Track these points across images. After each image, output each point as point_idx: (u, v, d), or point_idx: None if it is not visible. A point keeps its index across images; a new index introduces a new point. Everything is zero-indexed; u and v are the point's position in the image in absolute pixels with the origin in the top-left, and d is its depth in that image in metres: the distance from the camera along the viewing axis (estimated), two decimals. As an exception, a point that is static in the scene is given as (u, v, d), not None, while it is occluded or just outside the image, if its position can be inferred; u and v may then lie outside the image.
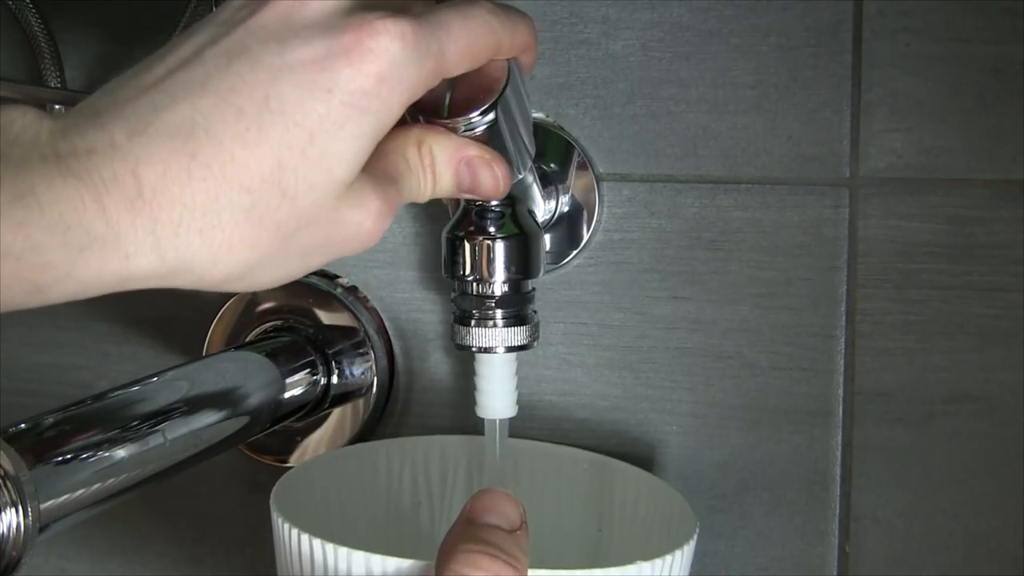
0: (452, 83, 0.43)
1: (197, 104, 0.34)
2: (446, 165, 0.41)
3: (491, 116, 0.43)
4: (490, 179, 0.42)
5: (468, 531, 0.40)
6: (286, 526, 0.45)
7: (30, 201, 0.31)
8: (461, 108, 0.43)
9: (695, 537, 0.47)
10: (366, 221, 0.37)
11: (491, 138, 0.44)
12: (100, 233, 0.32)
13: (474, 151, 0.42)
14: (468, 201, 0.50)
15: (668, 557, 0.45)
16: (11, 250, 0.31)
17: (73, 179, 0.32)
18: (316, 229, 0.36)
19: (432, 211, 0.58)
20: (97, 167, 0.33)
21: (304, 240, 0.36)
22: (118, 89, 0.36)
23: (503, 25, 0.40)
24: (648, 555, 0.44)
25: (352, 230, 0.37)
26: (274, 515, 0.46)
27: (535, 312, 0.52)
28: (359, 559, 0.42)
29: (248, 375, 0.54)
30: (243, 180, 0.34)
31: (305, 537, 0.44)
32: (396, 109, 0.36)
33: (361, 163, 0.36)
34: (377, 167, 0.38)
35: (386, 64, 0.35)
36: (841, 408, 0.55)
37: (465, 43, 0.38)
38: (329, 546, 0.43)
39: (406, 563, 0.41)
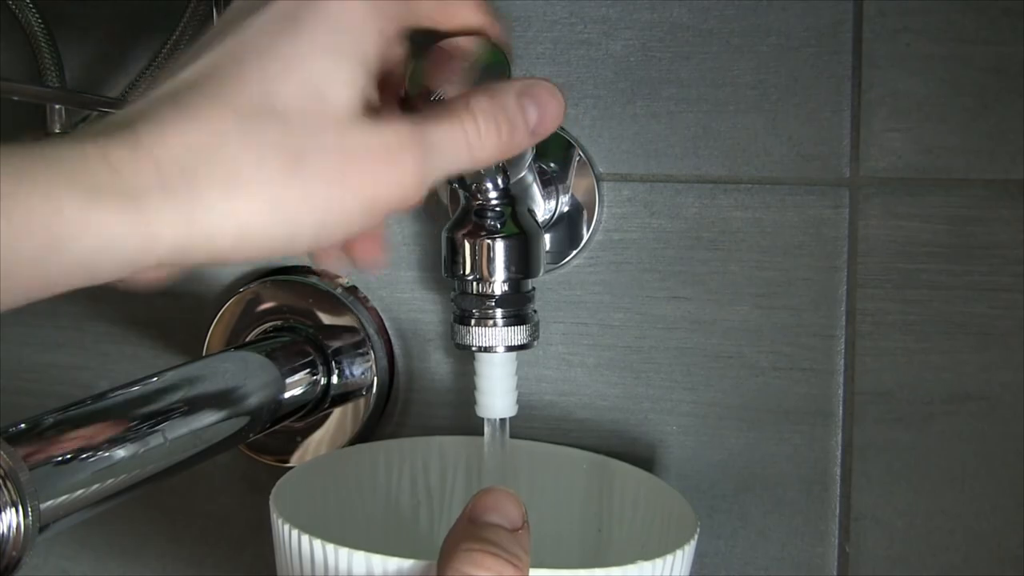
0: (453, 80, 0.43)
1: (179, 76, 0.36)
2: (510, 105, 0.40)
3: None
4: (555, 104, 0.41)
5: (470, 530, 0.40)
6: (286, 527, 0.45)
7: (34, 153, 0.32)
8: None
9: (696, 537, 0.47)
10: (386, 147, 0.36)
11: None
12: (106, 178, 0.33)
13: (523, 83, 0.41)
14: (468, 200, 0.50)
15: (669, 557, 0.45)
16: (15, 195, 0.31)
17: (73, 138, 0.33)
18: (326, 157, 0.36)
19: (432, 211, 0.58)
20: (95, 131, 0.34)
21: (317, 170, 0.35)
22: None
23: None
24: (649, 555, 0.44)
25: (375, 157, 0.36)
26: (274, 516, 0.46)
27: (535, 312, 0.52)
28: (360, 559, 0.42)
29: (248, 375, 0.54)
30: (236, 110, 0.35)
31: (306, 538, 0.44)
32: (367, 24, 0.37)
33: (353, 88, 0.36)
34: (416, 115, 0.38)
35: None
36: (841, 408, 0.55)
37: None
38: (330, 546, 0.43)
39: (407, 563, 0.41)
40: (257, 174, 0.35)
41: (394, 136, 0.37)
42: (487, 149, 0.39)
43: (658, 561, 0.44)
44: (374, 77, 0.38)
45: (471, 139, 0.39)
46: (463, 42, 0.44)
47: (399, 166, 0.37)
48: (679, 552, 0.45)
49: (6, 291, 0.32)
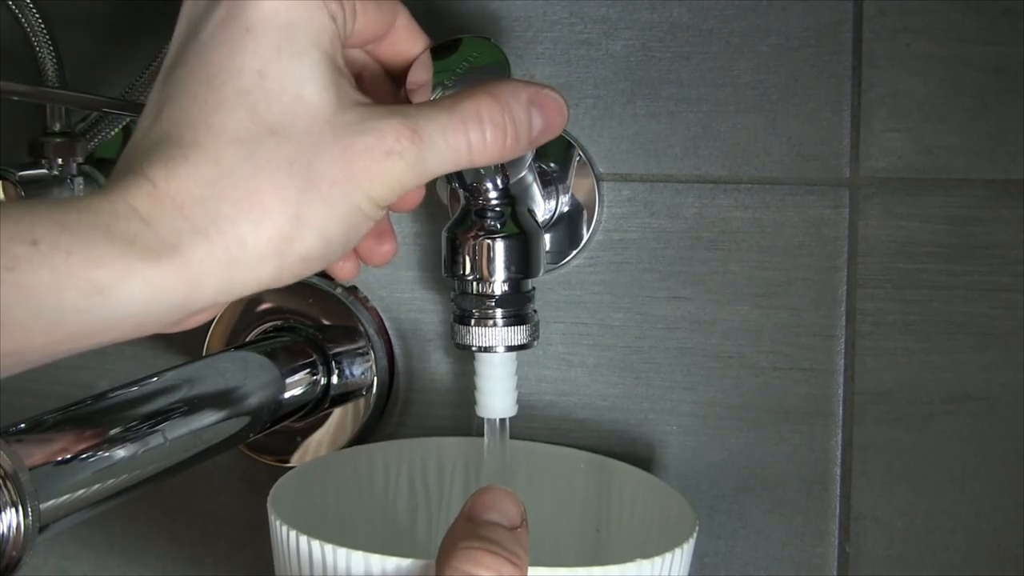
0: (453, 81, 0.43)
1: (164, 117, 0.36)
2: (519, 110, 0.40)
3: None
4: (560, 119, 0.41)
5: (469, 528, 0.40)
6: (284, 528, 0.45)
7: (65, 207, 0.33)
8: None
9: (694, 536, 0.47)
10: (380, 140, 0.36)
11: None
12: (140, 230, 0.33)
13: (530, 90, 0.41)
14: (468, 200, 0.50)
15: (668, 555, 0.45)
16: (58, 243, 0.32)
17: (98, 195, 0.34)
18: (332, 159, 0.36)
19: (432, 211, 0.58)
20: (113, 186, 0.34)
21: (327, 174, 0.36)
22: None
23: None
24: (647, 554, 0.44)
25: (369, 152, 0.36)
26: (271, 517, 0.46)
27: (535, 312, 0.52)
28: (358, 559, 0.42)
29: (248, 375, 0.54)
30: (229, 136, 0.35)
31: (304, 538, 0.44)
32: (323, 20, 0.37)
33: (325, 83, 0.36)
34: (406, 107, 0.38)
35: None
36: (841, 408, 0.55)
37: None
38: (328, 546, 0.43)
39: (406, 562, 0.41)
40: (275, 195, 0.35)
41: (388, 130, 0.37)
42: (488, 154, 0.39)
43: (657, 560, 0.44)
44: (342, 61, 0.38)
45: (474, 143, 0.39)
46: (463, 43, 0.44)
47: (398, 158, 0.37)
48: (678, 551, 0.45)
49: (52, 340, 0.33)
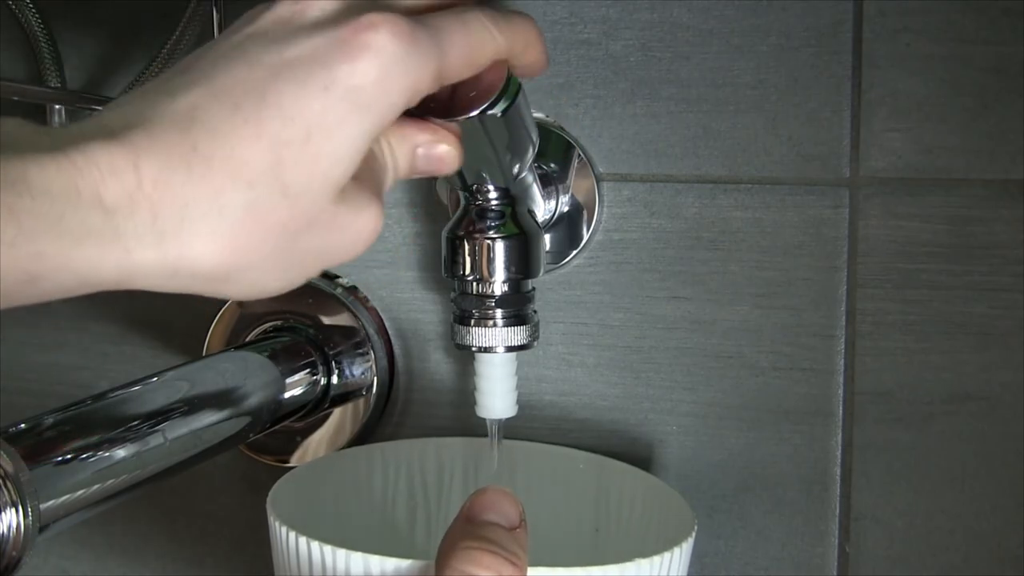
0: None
1: (194, 100, 0.34)
2: (402, 156, 0.40)
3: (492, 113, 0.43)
4: (439, 162, 0.41)
5: (468, 529, 0.40)
6: (283, 529, 0.45)
7: (21, 188, 0.31)
8: (460, 109, 0.43)
9: (693, 535, 0.47)
10: (367, 224, 0.37)
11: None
12: (97, 226, 0.32)
13: (424, 136, 0.41)
14: (468, 200, 0.50)
15: (667, 555, 0.45)
16: (2, 236, 0.30)
17: (69, 166, 0.32)
18: (316, 232, 0.36)
19: (432, 211, 0.58)
20: (94, 156, 0.32)
21: (305, 243, 0.36)
22: (124, 97, 0.36)
23: (501, 29, 0.40)
24: (646, 553, 0.44)
25: (351, 235, 0.37)
26: (271, 518, 0.46)
27: (535, 312, 0.52)
28: (357, 560, 0.42)
29: (248, 375, 0.54)
30: (244, 175, 0.34)
31: (303, 539, 0.44)
32: (394, 109, 0.36)
33: (356, 164, 0.36)
34: (364, 167, 0.37)
35: (384, 60, 0.35)
36: (841, 408, 0.55)
37: (464, 47, 0.38)
38: (327, 547, 0.43)
39: (405, 563, 0.41)
40: (248, 246, 0.34)
41: (372, 215, 0.37)
42: (406, 175, 0.41)
43: (655, 559, 0.44)
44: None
45: (395, 177, 0.40)
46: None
47: (366, 238, 0.37)
48: (676, 550, 0.45)
49: None
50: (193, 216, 0.33)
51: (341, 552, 0.42)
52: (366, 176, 0.38)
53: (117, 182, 0.32)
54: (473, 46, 0.39)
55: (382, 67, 0.35)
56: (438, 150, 0.41)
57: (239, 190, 0.34)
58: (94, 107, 0.59)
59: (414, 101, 0.37)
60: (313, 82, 0.34)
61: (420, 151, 0.40)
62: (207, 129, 0.34)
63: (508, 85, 0.43)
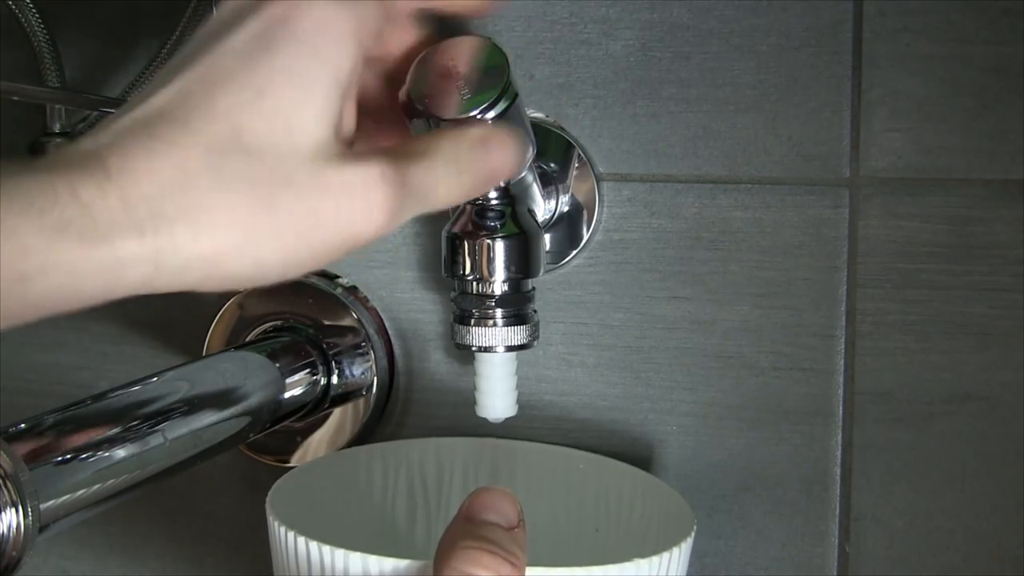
0: (452, 83, 0.43)
1: (152, 101, 0.35)
2: (466, 153, 0.40)
3: (492, 114, 0.43)
4: (511, 152, 0.41)
5: (466, 528, 0.40)
6: (282, 529, 0.45)
7: (3, 186, 0.31)
8: (462, 107, 0.43)
9: (692, 535, 0.47)
10: (366, 194, 0.36)
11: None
12: (76, 219, 0.32)
13: (483, 130, 0.41)
14: (468, 200, 0.50)
15: (665, 555, 0.45)
16: None
17: (43, 170, 0.33)
18: (299, 194, 0.35)
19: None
20: (66, 160, 0.33)
21: (290, 206, 0.35)
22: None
23: None
24: (645, 553, 0.44)
25: (347, 203, 0.36)
26: (270, 518, 0.46)
27: (535, 312, 0.52)
28: (356, 560, 0.42)
29: (248, 375, 0.54)
30: (205, 142, 0.34)
31: (302, 539, 0.44)
32: (344, 54, 0.36)
33: (326, 115, 0.36)
34: (385, 150, 0.37)
35: (318, 11, 0.36)
36: (841, 408, 0.55)
37: None
38: (326, 547, 0.43)
39: (403, 563, 0.41)
40: (226, 212, 0.34)
41: (370, 174, 0.36)
42: (451, 197, 0.39)
43: (654, 559, 0.44)
44: (351, 96, 0.37)
45: (441, 184, 0.39)
46: (463, 41, 0.44)
47: (373, 204, 0.36)
48: (675, 550, 0.45)
49: None
50: (162, 193, 0.33)
51: (340, 552, 0.42)
52: (382, 152, 0.37)
53: (87, 175, 0.33)
54: None
55: (319, 16, 0.36)
56: (495, 141, 0.41)
57: (203, 159, 0.34)
58: (94, 108, 0.59)
59: (364, 42, 0.37)
60: (258, 51, 0.35)
61: (481, 149, 0.40)
62: (163, 117, 0.34)
63: (507, 87, 0.43)
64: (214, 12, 0.47)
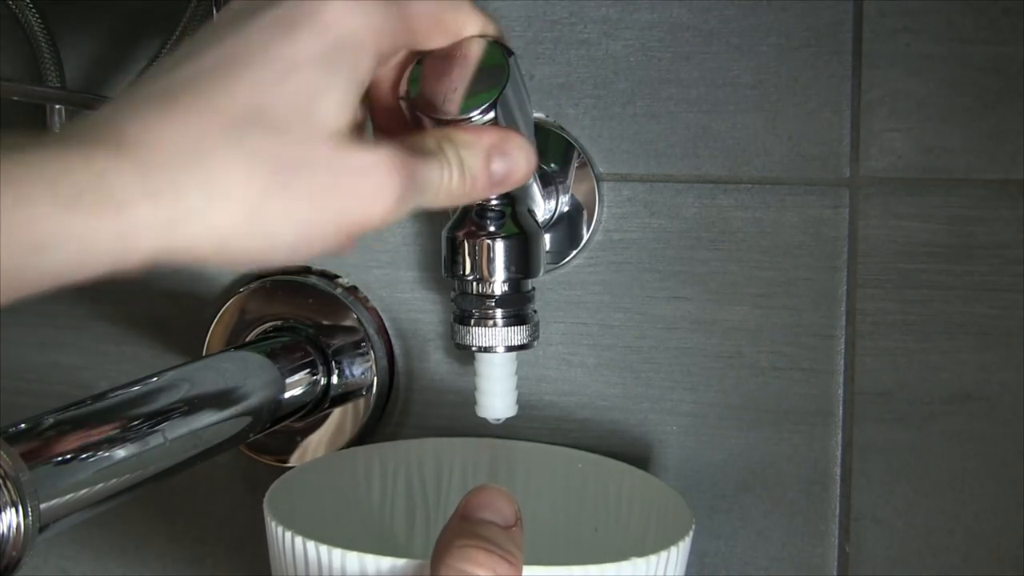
0: (452, 83, 0.43)
1: (173, 74, 0.35)
2: (473, 159, 0.40)
3: (491, 115, 0.43)
4: (523, 161, 0.42)
5: (463, 527, 0.40)
6: (279, 529, 0.45)
7: (17, 156, 0.31)
8: (461, 107, 0.43)
9: (691, 534, 0.47)
10: (376, 179, 0.36)
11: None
12: (88, 184, 0.32)
13: (496, 137, 0.41)
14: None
15: (663, 554, 0.44)
16: (2, 200, 0.31)
17: (57, 141, 0.33)
18: (317, 173, 0.36)
19: (432, 211, 0.58)
20: (80, 130, 0.33)
21: (305, 185, 0.35)
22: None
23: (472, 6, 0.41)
24: (642, 552, 0.44)
25: (360, 186, 0.36)
26: (267, 518, 0.46)
27: (535, 312, 0.52)
28: (353, 559, 0.42)
29: (248, 375, 0.54)
30: (226, 116, 0.34)
31: (299, 539, 0.44)
32: (366, 49, 0.37)
33: (345, 103, 0.36)
34: (399, 143, 0.38)
35: (348, 8, 0.36)
36: (841, 408, 0.55)
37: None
38: (323, 547, 0.43)
39: (400, 562, 0.41)
40: (242, 186, 0.34)
41: (381, 159, 0.36)
42: (454, 196, 0.40)
43: (652, 558, 0.44)
44: (364, 95, 0.38)
45: (446, 183, 0.39)
46: (463, 42, 0.44)
47: (382, 190, 0.36)
48: (673, 549, 0.45)
49: None
50: (179, 160, 0.33)
51: (337, 551, 0.42)
52: (397, 145, 0.38)
53: (102, 144, 0.33)
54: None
55: (347, 11, 0.36)
56: (509, 148, 0.41)
57: (222, 130, 0.34)
58: (94, 107, 0.59)
59: (387, 43, 0.38)
60: (283, 33, 0.36)
61: (494, 155, 0.41)
62: (184, 88, 0.35)
63: (507, 88, 0.43)
64: (214, 13, 0.48)
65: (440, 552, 0.39)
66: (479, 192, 0.40)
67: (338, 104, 0.36)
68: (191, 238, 0.34)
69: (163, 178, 0.33)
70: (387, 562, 0.41)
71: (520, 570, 0.40)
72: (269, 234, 0.35)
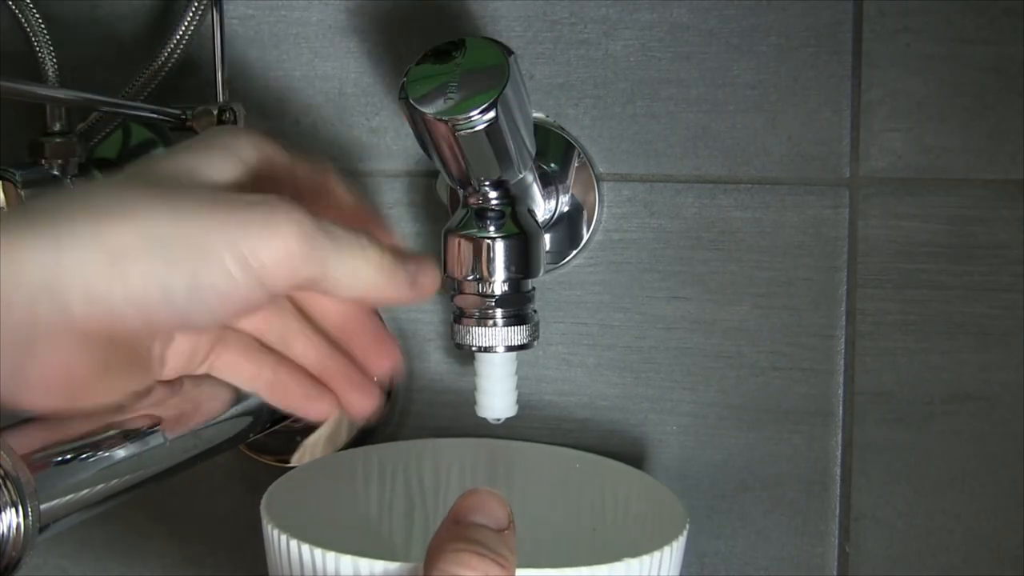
0: (453, 83, 0.43)
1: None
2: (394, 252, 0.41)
3: (491, 114, 0.43)
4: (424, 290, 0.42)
5: (456, 530, 0.40)
6: (275, 531, 0.45)
7: None
8: (460, 107, 0.43)
9: (684, 534, 0.47)
10: (264, 202, 0.37)
11: (491, 137, 0.44)
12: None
13: (423, 257, 0.42)
14: (468, 200, 0.50)
15: (656, 554, 0.44)
16: None
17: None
18: (199, 199, 0.37)
19: (432, 211, 0.58)
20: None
21: (191, 207, 0.36)
22: None
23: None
24: (636, 552, 0.44)
25: (247, 208, 0.37)
26: (264, 521, 0.46)
27: (535, 311, 0.52)
28: (347, 562, 0.42)
29: (248, 375, 0.54)
30: (113, 180, 0.38)
31: (294, 542, 0.44)
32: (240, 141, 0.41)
33: (220, 169, 0.39)
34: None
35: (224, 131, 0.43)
36: (841, 408, 0.55)
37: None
38: (317, 550, 0.43)
39: (393, 565, 0.41)
40: (126, 208, 0.36)
41: (273, 200, 0.37)
42: (359, 280, 0.39)
43: (645, 558, 0.44)
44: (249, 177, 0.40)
45: (358, 263, 0.39)
46: (462, 44, 0.44)
47: (279, 226, 0.36)
48: (667, 549, 0.45)
49: None
50: (59, 206, 0.36)
51: (331, 555, 0.42)
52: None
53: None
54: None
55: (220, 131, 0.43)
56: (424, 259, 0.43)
57: (105, 184, 0.39)
58: (94, 107, 0.59)
59: (252, 161, 0.41)
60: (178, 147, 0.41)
61: (416, 264, 0.42)
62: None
63: (505, 88, 0.43)
64: (214, 12, 0.48)
65: (432, 556, 0.39)
66: (380, 292, 0.40)
67: (217, 173, 0.39)
68: (79, 262, 0.35)
69: (41, 211, 0.35)
70: (380, 565, 0.41)
71: (513, 573, 0.40)
72: (163, 252, 0.36)
